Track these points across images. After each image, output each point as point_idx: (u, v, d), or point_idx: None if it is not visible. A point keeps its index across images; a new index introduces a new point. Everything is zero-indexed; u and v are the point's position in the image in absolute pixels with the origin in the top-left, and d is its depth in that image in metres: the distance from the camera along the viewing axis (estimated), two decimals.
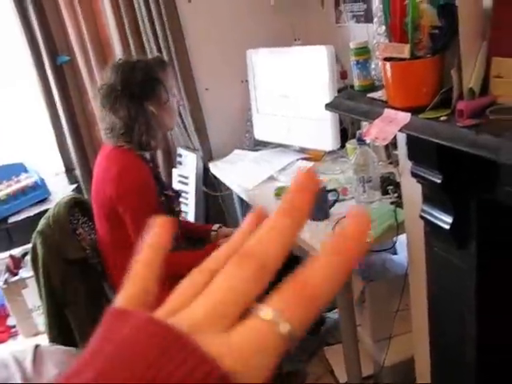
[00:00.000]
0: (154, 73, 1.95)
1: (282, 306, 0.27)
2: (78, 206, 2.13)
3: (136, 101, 1.90)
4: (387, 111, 1.17)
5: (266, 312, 0.27)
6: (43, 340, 2.11)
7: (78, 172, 2.89)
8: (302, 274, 0.29)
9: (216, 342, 0.26)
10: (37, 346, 1.61)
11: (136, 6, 2.57)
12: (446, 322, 1.46)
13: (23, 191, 2.71)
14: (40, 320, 3.03)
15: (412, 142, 1.24)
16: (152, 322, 0.26)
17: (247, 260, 0.29)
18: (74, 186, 2.88)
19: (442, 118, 1.04)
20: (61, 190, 2.82)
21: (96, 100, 1.98)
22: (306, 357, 2.58)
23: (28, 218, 2.62)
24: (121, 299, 0.32)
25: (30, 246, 2.07)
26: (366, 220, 0.31)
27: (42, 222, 2.02)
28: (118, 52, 2.69)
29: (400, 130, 1.11)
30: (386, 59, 1.16)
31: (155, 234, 0.35)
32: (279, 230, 0.31)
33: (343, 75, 2.43)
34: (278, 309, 0.27)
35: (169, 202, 2.06)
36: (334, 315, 2.74)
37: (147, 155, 2.04)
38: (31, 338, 3.08)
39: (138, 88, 1.90)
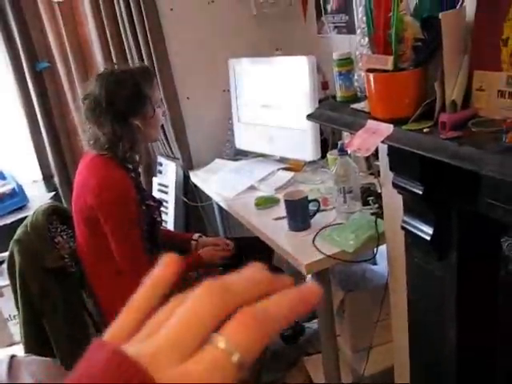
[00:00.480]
0: (140, 88, 1.91)
1: (235, 333, 0.28)
2: (56, 214, 2.10)
3: (121, 118, 1.87)
4: (370, 122, 1.18)
5: (219, 341, 0.28)
6: (19, 350, 2.07)
7: (56, 179, 2.85)
8: (258, 306, 0.30)
9: (170, 374, 0.27)
10: (12, 356, 1.58)
11: (118, 13, 2.56)
12: (426, 332, 1.47)
13: (1, 198, 2.66)
14: (15, 330, 2.98)
15: (394, 153, 1.25)
16: (116, 355, 0.27)
17: (213, 286, 0.30)
18: (53, 193, 2.84)
19: (424, 130, 1.05)
20: (39, 197, 2.78)
21: (78, 110, 1.95)
22: (285, 367, 2.58)
23: (5, 225, 2.57)
24: (111, 329, 0.33)
25: (6, 254, 2.04)
26: (318, 295, 0.33)
27: (20, 230, 1.99)
28: (99, 59, 2.68)
29: (383, 142, 1.12)
30: (369, 70, 1.17)
31: (159, 271, 0.36)
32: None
33: (324, 86, 2.44)
34: (230, 337, 0.28)
35: (150, 212, 2.05)
36: (313, 325, 2.75)
37: (129, 165, 2.02)
38: (6, 348, 3.03)
39: (124, 104, 1.87)
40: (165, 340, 0.29)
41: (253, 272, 0.33)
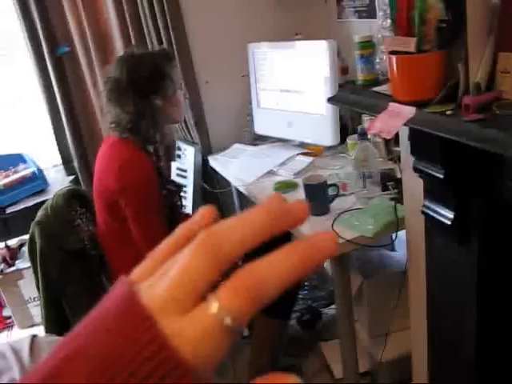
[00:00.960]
0: (160, 67, 1.94)
1: (227, 298, 0.28)
2: (76, 198, 2.12)
3: (143, 96, 1.89)
4: (392, 105, 1.17)
5: (212, 305, 0.28)
6: (39, 331, 2.10)
7: (76, 164, 2.87)
8: (256, 265, 0.30)
9: (172, 325, 0.28)
10: (34, 337, 1.60)
11: None
12: (445, 319, 1.46)
13: (21, 182, 2.69)
14: (36, 311, 3.03)
15: (415, 136, 1.24)
16: (128, 297, 0.29)
17: (206, 240, 0.30)
18: (72, 177, 2.87)
19: (447, 113, 1.04)
20: (59, 181, 2.81)
21: (98, 95, 1.97)
22: (302, 352, 2.58)
23: (26, 208, 2.61)
24: (135, 270, 0.33)
25: (27, 236, 2.06)
26: (334, 242, 0.32)
27: (40, 212, 2.01)
28: (118, 44, 2.68)
29: (405, 124, 1.10)
30: (392, 53, 1.16)
31: (192, 221, 0.35)
32: (251, 222, 0.31)
33: (344, 71, 2.42)
34: (223, 302, 0.28)
35: (170, 197, 2.06)
36: (330, 311, 2.75)
37: (150, 148, 2.03)
38: (27, 329, 3.08)
39: (145, 83, 1.89)
40: (166, 291, 0.29)
41: (255, 215, 0.32)
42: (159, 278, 0.30)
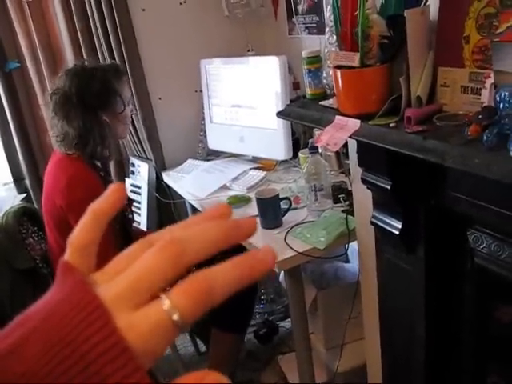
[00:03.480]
0: (111, 83, 1.93)
1: (178, 297, 0.32)
2: (27, 216, 2.08)
3: (91, 111, 1.87)
4: (338, 118, 1.19)
5: (164, 302, 0.31)
6: None
7: (27, 181, 2.82)
8: (206, 272, 0.33)
9: (124, 318, 0.30)
10: None
11: (89, 12, 2.54)
12: (396, 327, 1.49)
13: None
14: None
15: (362, 148, 1.27)
16: (82, 287, 0.31)
17: (171, 245, 0.33)
18: (24, 195, 2.81)
19: (391, 125, 1.07)
20: (10, 199, 2.75)
21: (47, 106, 1.93)
22: (259, 366, 2.59)
23: None
24: (71, 248, 0.37)
25: None
26: (273, 255, 0.36)
27: None
28: (69, 58, 2.65)
29: (350, 136, 1.13)
30: (337, 67, 1.19)
31: (102, 200, 0.40)
32: (210, 234, 0.35)
33: (296, 86, 2.46)
34: (174, 300, 0.31)
35: (121, 210, 2.04)
36: (287, 324, 2.76)
37: (98, 163, 2.01)
38: None
39: (94, 98, 1.88)
40: (125, 286, 0.32)
41: (212, 228, 0.36)
42: (116, 275, 0.33)
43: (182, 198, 2.60)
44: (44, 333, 0.29)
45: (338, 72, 1.17)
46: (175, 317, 0.31)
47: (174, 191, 2.69)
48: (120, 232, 1.99)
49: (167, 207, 2.84)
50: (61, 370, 0.28)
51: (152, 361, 0.31)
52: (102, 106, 1.90)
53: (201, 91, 2.79)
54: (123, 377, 0.28)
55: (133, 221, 2.19)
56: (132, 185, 2.89)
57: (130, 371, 0.29)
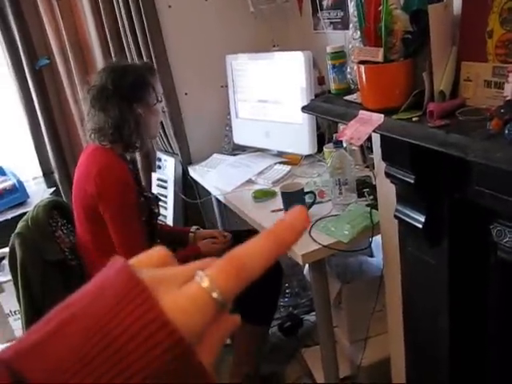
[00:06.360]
0: (144, 77, 2.01)
1: (217, 275, 0.33)
2: (57, 209, 2.13)
3: (126, 102, 1.94)
4: (362, 113, 1.21)
5: (204, 280, 0.33)
6: None
7: (56, 175, 2.88)
8: (240, 249, 0.35)
9: (165, 298, 0.32)
10: None
11: (116, 9, 2.58)
12: (420, 320, 1.50)
13: (1, 194, 2.68)
14: (16, 325, 3.01)
15: (386, 143, 1.28)
16: (124, 268, 0.32)
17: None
18: (53, 189, 2.87)
19: (413, 119, 1.08)
20: (39, 193, 2.81)
21: (85, 102, 2.00)
22: (284, 359, 2.61)
23: (5, 221, 2.60)
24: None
25: (6, 249, 2.06)
26: (305, 217, 0.37)
27: (21, 224, 2.02)
28: (98, 55, 2.71)
29: (374, 131, 1.14)
30: (361, 62, 1.20)
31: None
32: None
33: (321, 81, 2.47)
34: (213, 278, 0.33)
35: (148, 203, 2.08)
36: (311, 317, 2.78)
37: (128, 157, 2.06)
38: (7, 343, 3.06)
39: (129, 89, 1.94)
40: (173, 271, 0.35)
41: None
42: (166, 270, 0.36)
43: (208, 192, 2.63)
44: (84, 316, 0.31)
45: (362, 67, 1.18)
46: (215, 294, 0.33)
47: (200, 185, 2.72)
48: (146, 226, 2.04)
49: (194, 202, 2.87)
50: (98, 357, 0.29)
51: (197, 337, 0.33)
52: (137, 98, 1.97)
53: (226, 86, 2.82)
54: (167, 348, 0.30)
55: (158, 214, 2.23)
56: (159, 179, 2.93)
57: (172, 343, 0.30)
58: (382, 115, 1.14)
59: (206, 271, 0.34)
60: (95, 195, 1.88)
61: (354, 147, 2.17)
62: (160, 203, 2.39)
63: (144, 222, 2.02)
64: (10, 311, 3.02)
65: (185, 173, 2.86)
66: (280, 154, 2.61)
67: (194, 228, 2.31)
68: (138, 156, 2.84)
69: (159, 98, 2.07)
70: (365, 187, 1.97)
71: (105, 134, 1.93)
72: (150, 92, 2.01)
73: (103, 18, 2.61)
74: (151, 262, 0.37)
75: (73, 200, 2.03)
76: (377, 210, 1.73)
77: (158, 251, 0.38)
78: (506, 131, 0.87)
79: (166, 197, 2.85)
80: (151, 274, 0.33)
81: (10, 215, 2.65)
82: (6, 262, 2.42)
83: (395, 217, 1.39)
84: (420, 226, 1.28)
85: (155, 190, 2.88)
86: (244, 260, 0.34)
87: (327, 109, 1.38)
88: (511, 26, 0.98)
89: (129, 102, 1.94)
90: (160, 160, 2.95)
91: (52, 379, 0.28)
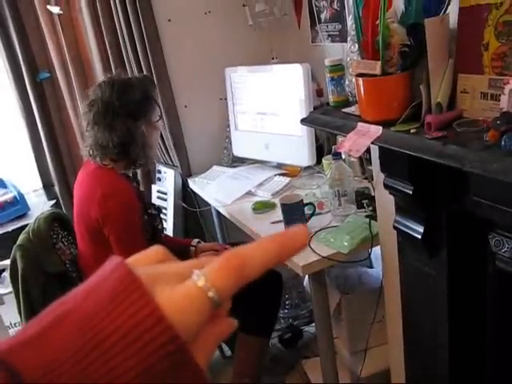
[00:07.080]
0: (149, 92, 1.98)
1: (213, 274, 0.33)
2: (58, 221, 2.14)
3: (132, 119, 1.90)
4: (360, 125, 1.22)
5: (200, 278, 0.33)
6: None
7: (56, 188, 2.89)
8: (242, 248, 0.35)
9: (160, 295, 0.32)
10: None
11: (117, 24, 2.61)
12: (420, 331, 1.50)
13: (2, 207, 2.69)
14: None
15: (384, 154, 1.29)
16: (120, 265, 0.33)
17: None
18: (53, 201, 2.88)
19: (411, 131, 1.10)
20: (40, 205, 2.82)
21: (84, 118, 1.94)
22: (284, 370, 2.61)
23: (6, 233, 2.60)
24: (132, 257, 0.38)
25: (7, 262, 2.07)
26: (306, 235, 0.38)
27: (22, 236, 2.03)
28: (98, 69, 2.73)
29: (372, 143, 1.16)
30: (359, 75, 1.22)
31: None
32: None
33: (319, 93, 2.49)
34: (209, 277, 0.33)
35: (151, 221, 2.08)
36: (311, 329, 2.78)
37: (130, 173, 2.05)
38: None
39: (135, 106, 1.91)
40: (164, 270, 0.35)
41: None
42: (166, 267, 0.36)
43: (208, 204, 2.64)
44: (79, 312, 0.31)
45: (360, 80, 1.20)
46: (211, 293, 0.33)
47: (200, 197, 2.73)
48: (149, 243, 2.04)
49: (193, 213, 2.88)
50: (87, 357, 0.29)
51: (191, 335, 0.32)
52: (142, 114, 1.94)
53: (225, 99, 2.83)
54: (161, 344, 0.30)
55: (162, 231, 2.23)
56: (158, 191, 2.94)
57: (167, 339, 0.30)
58: (381, 127, 1.16)
59: (203, 270, 0.34)
60: (100, 219, 1.87)
61: (352, 159, 2.19)
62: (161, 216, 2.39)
63: (147, 241, 2.01)
64: (11, 323, 3.02)
65: (184, 185, 2.87)
66: (279, 165, 2.62)
67: (195, 241, 2.31)
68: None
69: (160, 114, 2.06)
70: (364, 198, 1.98)
71: (108, 152, 1.90)
72: (154, 107, 1.99)
73: (104, 32, 2.63)
74: (149, 261, 0.38)
75: (75, 217, 2.02)
76: (376, 221, 1.75)
77: (156, 249, 0.39)
78: (503, 142, 0.88)
79: (165, 209, 2.86)
80: (148, 272, 0.33)
81: (10, 227, 2.65)
82: (6, 274, 2.43)
83: (394, 228, 1.40)
84: (419, 236, 1.29)
85: (155, 201, 2.89)
86: (244, 259, 0.34)
87: (326, 121, 1.40)
88: (506, 39, 1.00)
89: (134, 118, 1.91)
90: (160, 172, 2.97)
91: (45, 374, 0.28)
